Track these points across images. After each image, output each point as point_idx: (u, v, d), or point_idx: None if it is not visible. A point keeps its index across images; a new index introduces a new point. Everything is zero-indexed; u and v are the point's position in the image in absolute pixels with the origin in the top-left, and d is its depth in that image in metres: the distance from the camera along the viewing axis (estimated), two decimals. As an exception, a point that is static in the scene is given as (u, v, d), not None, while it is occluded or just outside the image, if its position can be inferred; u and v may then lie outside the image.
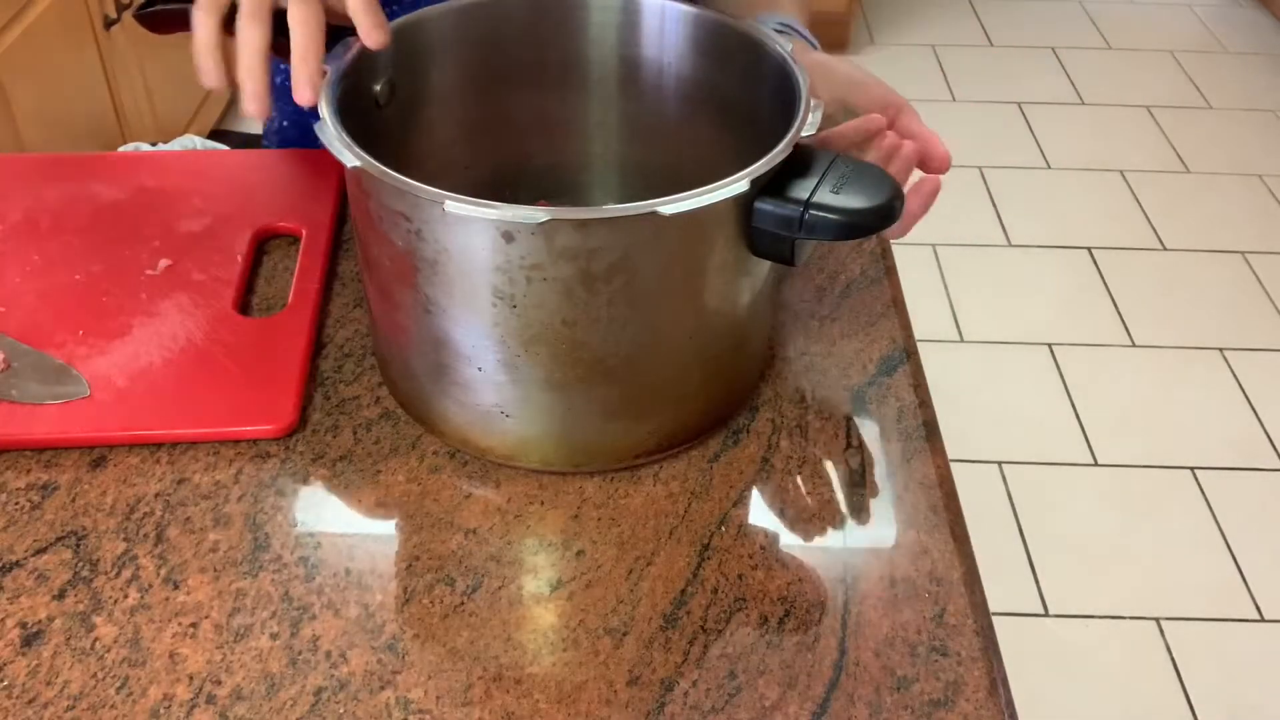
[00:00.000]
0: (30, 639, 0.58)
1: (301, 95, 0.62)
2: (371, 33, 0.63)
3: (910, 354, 0.75)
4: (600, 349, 0.60)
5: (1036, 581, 1.71)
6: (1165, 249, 2.39)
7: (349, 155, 0.57)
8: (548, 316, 0.58)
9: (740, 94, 0.70)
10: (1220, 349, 2.14)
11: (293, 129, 0.96)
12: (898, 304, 0.80)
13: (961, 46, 3.11)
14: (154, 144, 1.33)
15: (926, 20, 3.22)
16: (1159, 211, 2.49)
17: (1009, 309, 2.20)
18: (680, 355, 0.63)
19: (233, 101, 2.58)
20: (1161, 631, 1.64)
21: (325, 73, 0.63)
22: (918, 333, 0.80)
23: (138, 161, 0.89)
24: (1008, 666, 0.60)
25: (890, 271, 0.83)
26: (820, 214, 0.57)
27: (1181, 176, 2.61)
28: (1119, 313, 2.21)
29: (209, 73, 0.64)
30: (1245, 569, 1.73)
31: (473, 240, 0.55)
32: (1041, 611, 1.67)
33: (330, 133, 0.58)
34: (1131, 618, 1.66)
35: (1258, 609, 1.68)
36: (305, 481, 0.66)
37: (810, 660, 0.58)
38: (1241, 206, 2.52)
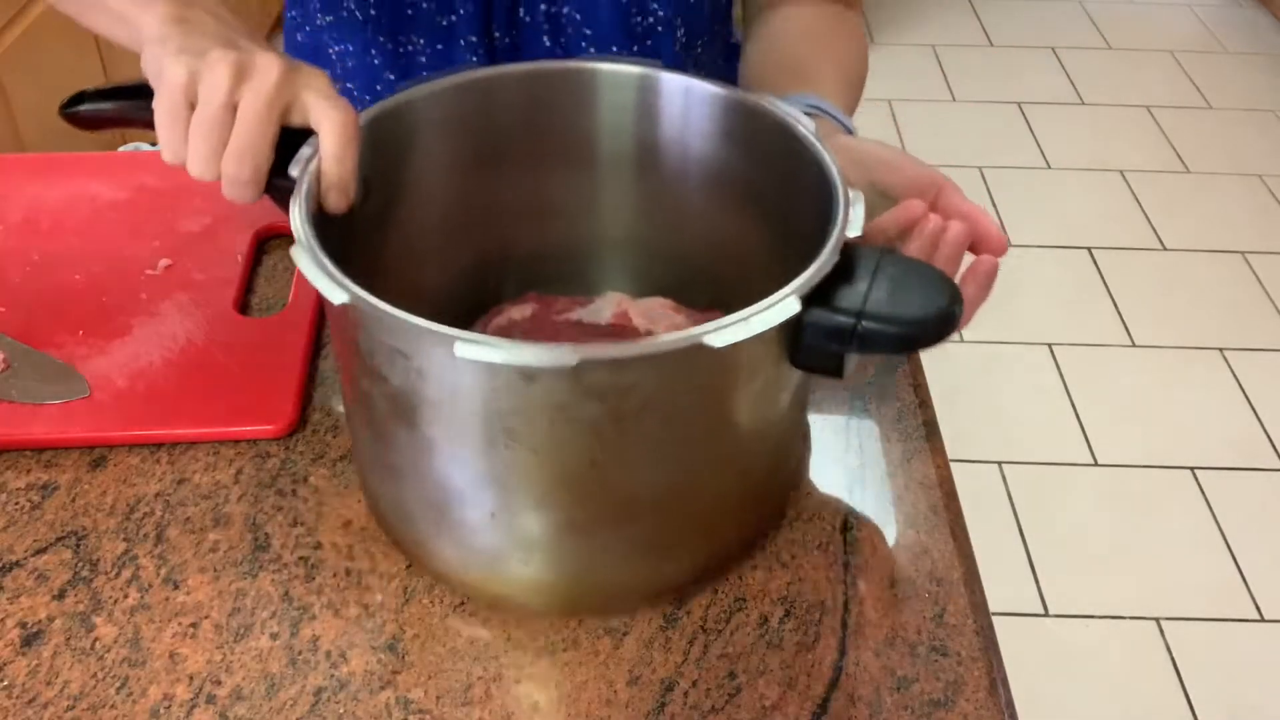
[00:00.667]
0: (30, 639, 0.58)
1: (228, 192, 0.57)
2: (333, 194, 0.57)
3: (910, 354, 0.75)
4: (630, 488, 0.54)
5: (1036, 581, 1.71)
6: (1165, 249, 2.39)
7: (336, 290, 0.49)
8: (572, 459, 0.52)
9: (770, 182, 0.63)
10: (1220, 349, 2.13)
11: None
12: (898, 304, 0.80)
13: (961, 46, 3.11)
14: (154, 144, 1.33)
15: (926, 20, 3.22)
16: (1159, 211, 2.49)
17: (1009, 309, 2.20)
18: (717, 483, 0.58)
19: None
20: (1161, 631, 1.64)
21: (291, 179, 0.56)
22: (918, 333, 0.79)
23: (138, 161, 0.89)
24: (1008, 666, 0.60)
25: (890, 271, 0.83)
26: (875, 325, 0.51)
27: (1181, 176, 2.61)
28: (1119, 313, 2.21)
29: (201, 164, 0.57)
30: (1245, 569, 1.73)
31: (485, 381, 0.49)
32: (1041, 611, 1.67)
33: (307, 261, 0.51)
34: (1131, 618, 1.66)
35: (1258, 609, 1.68)
36: (305, 481, 0.66)
37: (810, 660, 0.58)
38: (1241, 206, 2.52)
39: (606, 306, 0.72)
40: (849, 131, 0.73)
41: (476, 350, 0.46)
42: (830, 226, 0.53)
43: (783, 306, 0.49)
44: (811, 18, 0.87)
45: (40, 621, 0.59)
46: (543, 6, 0.83)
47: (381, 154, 0.60)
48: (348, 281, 0.49)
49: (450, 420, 0.52)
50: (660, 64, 0.64)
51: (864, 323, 0.51)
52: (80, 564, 0.62)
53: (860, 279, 0.52)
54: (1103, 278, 2.30)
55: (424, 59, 0.86)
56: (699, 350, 0.47)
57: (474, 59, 0.84)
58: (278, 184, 0.57)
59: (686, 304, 0.71)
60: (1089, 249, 2.37)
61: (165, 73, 0.56)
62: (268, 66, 0.56)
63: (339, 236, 0.55)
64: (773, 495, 0.64)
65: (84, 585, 0.61)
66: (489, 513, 0.55)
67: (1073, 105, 2.87)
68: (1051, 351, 2.12)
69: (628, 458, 0.53)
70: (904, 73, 2.97)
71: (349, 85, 0.91)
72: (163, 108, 0.57)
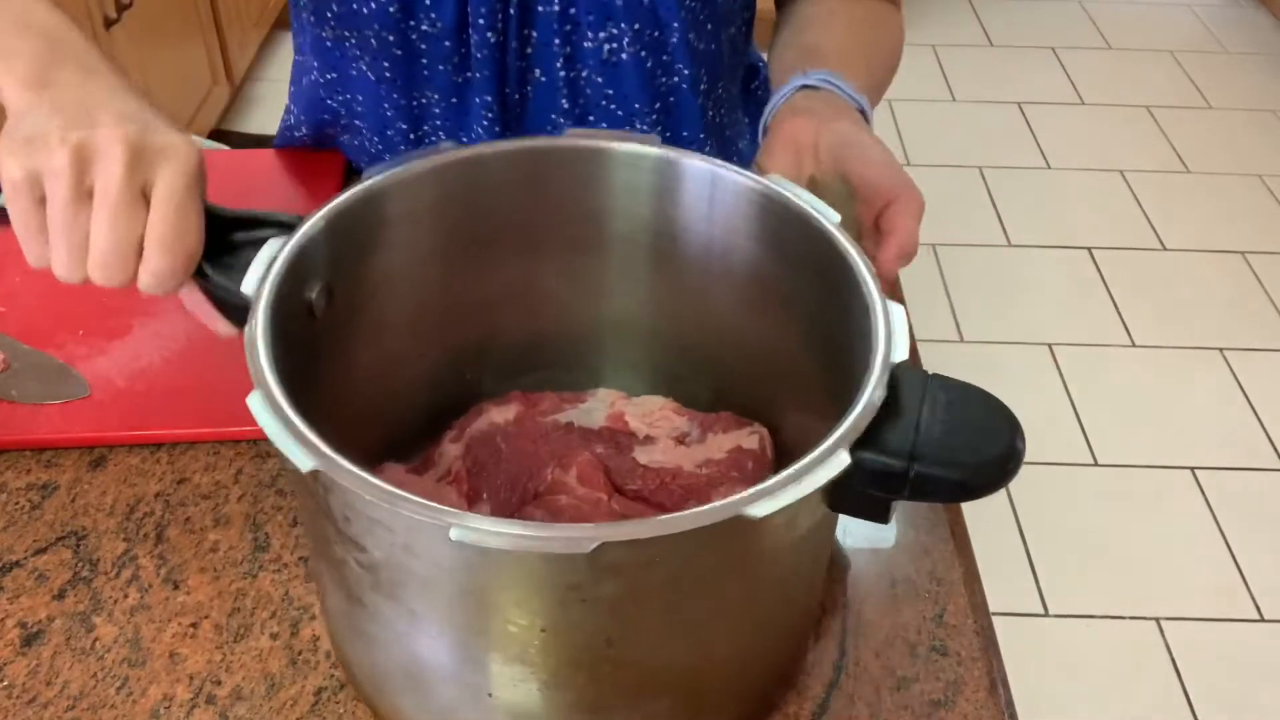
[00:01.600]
0: (30, 639, 0.58)
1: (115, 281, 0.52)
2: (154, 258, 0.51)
3: (910, 354, 0.75)
4: (651, 665, 0.49)
5: (1036, 581, 1.71)
6: (1165, 249, 2.38)
7: (302, 455, 0.42)
8: (586, 639, 0.46)
9: (797, 281, 0.58)
10: (1220, 349, 2.13)
11: (307, 137, 0.95)
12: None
13: (961, 46, 3.10)
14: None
15: (926, 20, 3.22)
16: (1159, 211, 2.49)
17: (1009, 309, 2.19)
18: (748, 648, 0.53)
19: (233, 102, 2.58)
20: (1161, 631, 1.64)
21: (245, 298, 0.49)
22: (918, 333, 0.79)
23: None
24: (1008, 666, 0.60)
25: (890, 271, 0.83)
26: (930, 469, 0.44)
27: (1181, 176, 2.61)
28: (1119, 313, 2.21)
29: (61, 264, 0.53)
30: (1245, 569, 1.73)
31: (484, 561, 0.43)
32: (1041, 611, 1.67)
33: (269, 417, 0.44)
34: (1131, 618, 1.66)
35: (1258, 609, 1.68)
36: (305, 481, 0.66)
37: (810, 660, 0.58)
38: (1241, 206, 2.52)
39: (599, 407, 0.66)
40: (862, 111, 0.69)
41: (476, 536, 0.40)
42: (871, 348, 0.48)
43: (831, 463, 0.43)
44: (845, 4, 0.83)
45: (40, 621, 0.59)
46: (561, 72, 0.81)
47: (348, 248, 0.55)
48: (318, 441, 0.43)
49: (441, 597, 0.46)
50: (659, 141, 0.59)
51: (917, 467, 0.44)
52: (80, 564, 0.62)
53: (908, 411, 0.46)
54: (1103, 278, 2.30)
55: (438, 111, 0.85)
56: (736, 522, 0.42)
57: (488, 115, 0.83)
58: (222, 293, 0.52)
59: (686, 397, 0.66)
60: (1089, 249, 2.37)
61: (3, 170, 0.51)
62: (109, 147, 0.50)
63: (303, 344, 0.51)
64: (802, 636, 0.59)
65: (84, 585, 0.61)
66: (485, 692, 0.49)
67: (1073, 105, 2.87)
68: (1051, 351, 2.12)
69: (649, 634, 0.47)
70: (904, 73, 2.95)
71: (357, 123, 0.89)
72: (12, 211, 0.51)
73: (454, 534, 0.40)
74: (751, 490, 0.42)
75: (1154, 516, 1.82)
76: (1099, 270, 2.31)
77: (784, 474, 0.43)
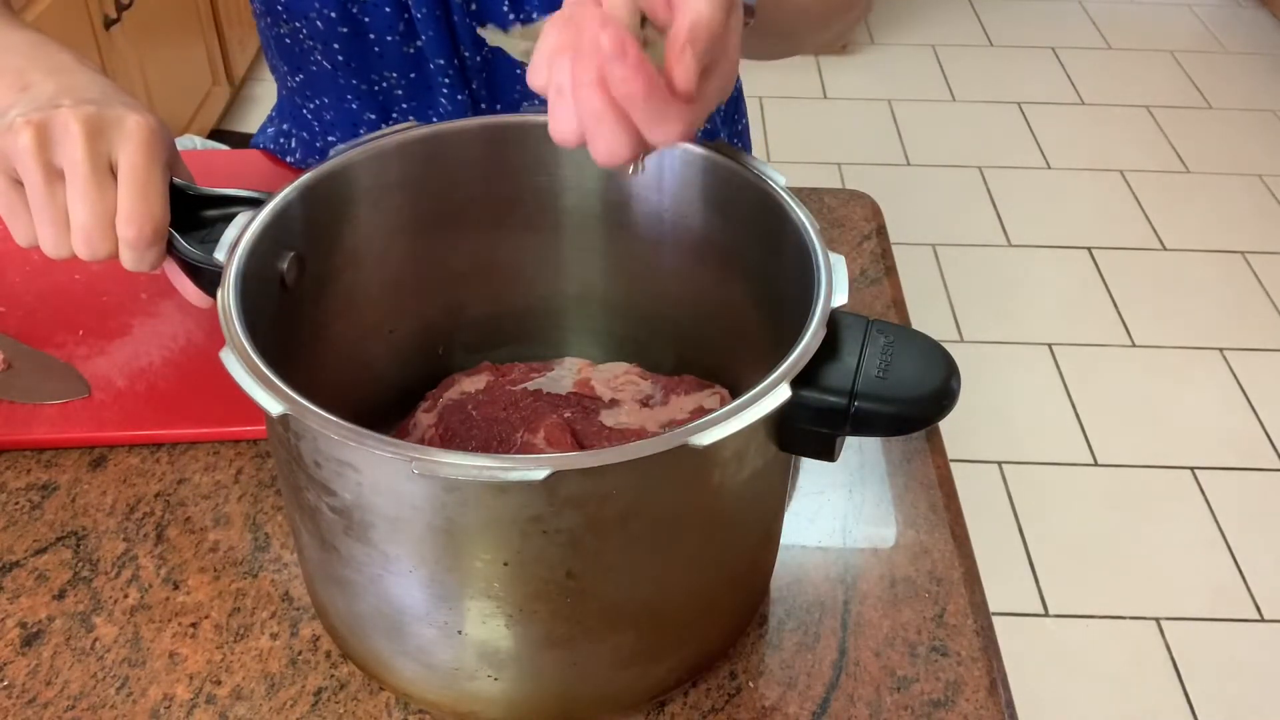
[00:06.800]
0: (30, 639, 0.58)
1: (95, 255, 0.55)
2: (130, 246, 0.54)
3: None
4: (612, 597, 0.50)
5: (1036, 581, 1.71)
6: (1165, 249, 2.38)
7: (271, 400, 0.44)
8: (548, 571, 0.48)
9: (746, 242, 0.59)
10: (1220, 349, 2.13)
11: (279, 150, 0.95)
12: (898, 304, 0.80)
13: (961, 46, 3.10)
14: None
15: (926, 20, 3.22)
16: (1159, 211, 2.49)
17: (1009, 309, 2.19)
18: (705, 581, 0.54)
19: (233, 102, 2.58)
20: (1161, 631, 1.64)
21: (217, 263, 0.52)
22: (918, 333, 0.79)
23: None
24: (1008, 666, 0.60)
25: (890, 271, 0.83)
26: (870, 405, 0.47)
27: (1181, 176, 2.61)
28: (1119, 313, 2.21)
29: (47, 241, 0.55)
30: (1245, 569, 1.73)
31: (449, 496, 0.45)
32: (1041, 611, 1.67)
33: (239, 368, 0.46)
34: (1131, 618, 1.66)
35: (1258, 609, 1.68)
36: (305, 481, 0.66)
37: (810, 660, 0.58)
38: (1241, 206, 2.52)
39: (566, 374, 0.68)
40: None
41: (437, 468, 0.42)
42: (813, 296, 0.50)
43: (772, 395, 0.45)
44: None
45: (40, 621, 0.59)
46: (510, 16, 0.80)
47: (317, 221, 0.57)
48: (288, 389, 0.45)
49: (410, 536, 0.47)
50: None
51: (858, 403, 0.47)
52: (80, 564, 0.62)
53: (848, 353, 0.48)
54: (1103, 278, 2.30)
55: (400, 91, 0.84)
56: (683, 451, 0.43)
57: (446, 80, 0.83)
58: (196, 260, 0.54)
59: (651, 364, 0.68)
60: (1089, 249, 2.37)
61: None
62: (67, 124, 0.53)
63: (275, 316, 0.52)
64: (760, 577, 0.60)
65: (84, 585, 0.61)
66: (455, 629, 0.50)
67: (1073, 105, 2.87)
68: (1051, 351, 2.12)
69: (609, 566, 0.49)
70: (904, 73, 2.97)
71: (330, 139, 0.89)
72: None
73: (417, 468, 0.42)
74: (698, 422, 0.44)
75: (1154, 516, 1.82)
76: (1099, 270, 2.31)
77: (728, 407, 0.45)
